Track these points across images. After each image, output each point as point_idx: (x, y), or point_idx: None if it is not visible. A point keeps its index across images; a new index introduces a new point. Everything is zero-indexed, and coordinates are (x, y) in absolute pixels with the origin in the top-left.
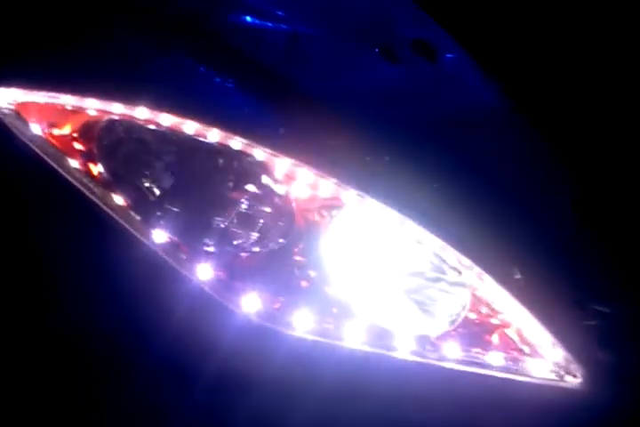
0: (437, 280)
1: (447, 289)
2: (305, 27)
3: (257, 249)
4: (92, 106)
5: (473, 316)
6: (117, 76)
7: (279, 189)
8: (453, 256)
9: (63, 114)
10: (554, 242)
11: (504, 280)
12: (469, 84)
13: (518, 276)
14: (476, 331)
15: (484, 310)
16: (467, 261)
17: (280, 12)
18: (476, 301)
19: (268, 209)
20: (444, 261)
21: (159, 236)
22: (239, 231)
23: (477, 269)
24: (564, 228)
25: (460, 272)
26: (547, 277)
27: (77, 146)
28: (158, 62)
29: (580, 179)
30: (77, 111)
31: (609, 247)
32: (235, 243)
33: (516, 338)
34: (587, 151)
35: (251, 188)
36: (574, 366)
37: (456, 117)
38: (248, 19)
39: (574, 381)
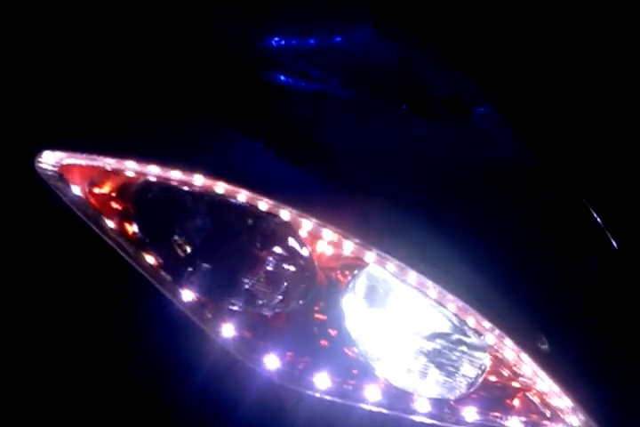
0: (458, 342)
1: (467, 351)
2: (334, 86)
3: (279, 309)
4: (130, 168)
5: (493, 378)
6: (153, 140)
7: (303, 249)
8: (474, 318)
9: (103, 174)
10: (578, 307)
11: (525, 344)
12: (499, 141)
13: (544, 346)
14: (496, 394)
15: (505, 372)
16: (487, 324)
17: (310, 71)
18: (497, 363)
19: (292, 268)
20: (464, 322)
21: (187, 295)
22: (263, 291)
23: (498, 332)
24: (591, 294)
25: (480, 334)
26: (570, 342)
27: (115, 205)
28: (189, 128)
29: (608, 241)
30: (116, 172)
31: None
32: (258, 302)
33: (537, 401)
34: (614, 211)
35: (276, 248)
36: None
37: (481, 176)
38: (279, 78)
39: None
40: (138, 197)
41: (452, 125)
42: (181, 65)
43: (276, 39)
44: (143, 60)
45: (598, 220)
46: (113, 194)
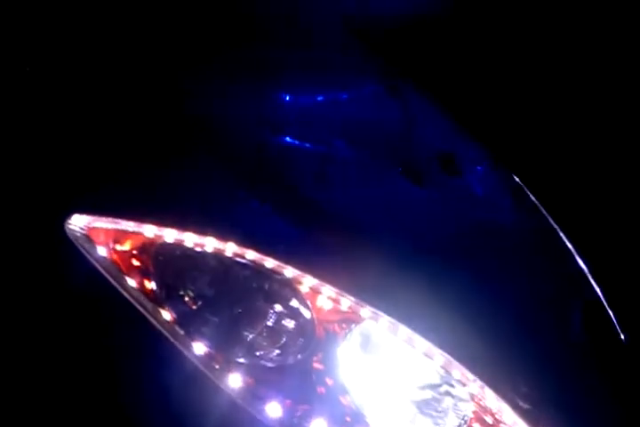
0: (445, 393)
1: (454, 401)
2: (337, 147)
3: (281, 362)
4: (149, 231)
5: (478, 426)
6: (169, 204)
7: (304, 306)
8: (459, 370)
9: (125, 235)
10: (562, 363)
11: (506, 395)
12: (491, 199)
13: (525, 397)
14: None
15: (489, 419)
16: (471, 376)
17: (314, 131)
18: (482, 411)
19: (293, 324)
20: (450, 374)
21: (198, 348)
22: (267, 345)
23: (481, 383)
24: (575, 351)
25: (465, 385)
26: (552, 394)
27: (135, 262)
28: (200, 188)
29: (594, 299)
30: (137, 233)
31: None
32: (262, 355)
33: None
34: (606, 271)
35: (278, 305)
36: None
37: (473, 235)
38: (284, 139)
39: None
40: (156, 256)
41: (447, 186)
42: (187, 123)
43: (282, 98)
44: (154, 119)
45: (589, 277)
46: (134, 252)
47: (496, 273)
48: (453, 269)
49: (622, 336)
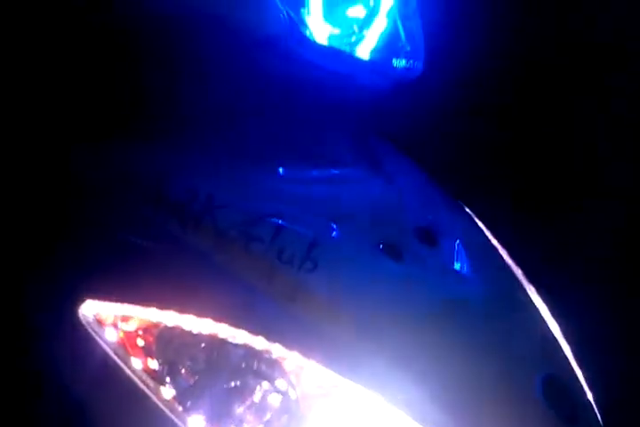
0: None
1: None
2: (321, 228)
3: None
4: (153, 314)
5: None
6: (169, 289)
7: (290, 381)
8: None
9: (132, 317)
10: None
11: None
12: (465, 268)
13: None
14: None
15: None
16: None
17: (301, 212)
18: None
19: (280, 398)
20: None
21: (195, 423)
22: (253, 419)
23: None
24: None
25: None
26: None
27: (140, 342)
28: (197, 280)
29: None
30: (142, 316)
31: None
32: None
33: None
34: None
35: (267, 380)
36: None
37: (445, 306)
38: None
39: None
40: (159, 337)
41: (422, 257)
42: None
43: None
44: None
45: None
46: (140, 332)
47: (464, 350)
48: (439, 347)
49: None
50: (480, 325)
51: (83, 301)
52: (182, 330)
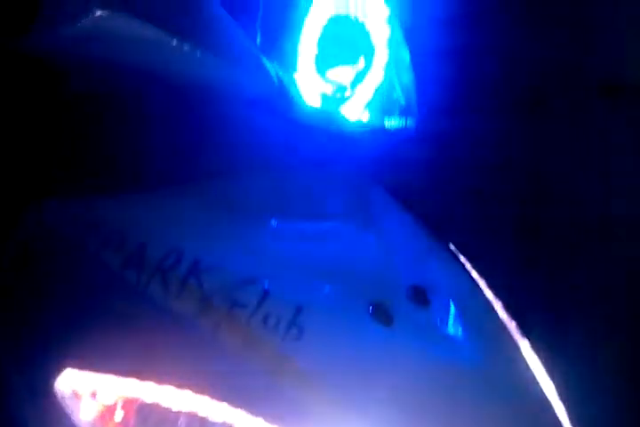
0: None
1: None
2: (309, 291)
3: None
4: (131, 387)
5: None
6: (147, 364)
7: None
8: None
9: (110, 390)
10: None
11: None
12: (457, 331)
13: None
14: None
15: None
16: None
17: (285, 278)
18: None
19: None
20: None
21: None
22: None
23: None
24: None
25: None
26: None
27: (118, 418)
28: (176, 348)
29: None
30: (120, 389)
31: None
32: None
33: None
34: None
35: None
36: None
37: (437, 376)
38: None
39: None
40: (138, 411)
41: (414, 319)
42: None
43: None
44: None
45: None
46: (119, 405)
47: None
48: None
49: None
50: (467, 402)
51: (61, 370)
52: (161, 406)
